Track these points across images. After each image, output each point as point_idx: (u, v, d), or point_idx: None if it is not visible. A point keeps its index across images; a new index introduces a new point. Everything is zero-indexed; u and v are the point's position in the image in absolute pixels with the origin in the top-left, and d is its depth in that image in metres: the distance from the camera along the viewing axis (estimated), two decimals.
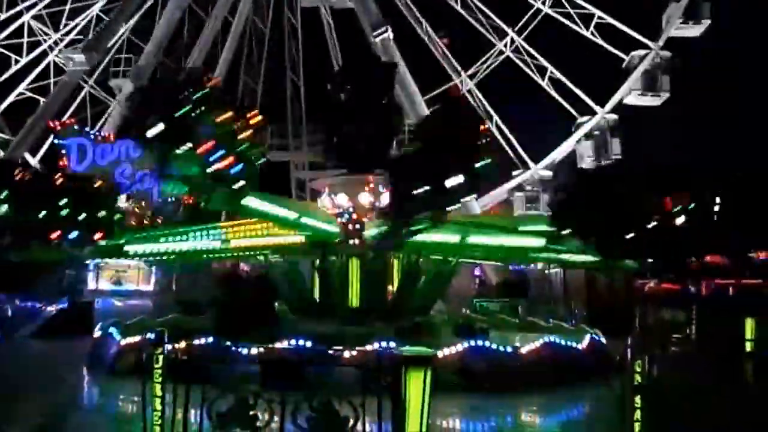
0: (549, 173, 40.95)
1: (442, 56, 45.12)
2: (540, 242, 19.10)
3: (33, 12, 42.59)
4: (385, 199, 20.33)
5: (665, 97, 39.51)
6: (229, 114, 15.47)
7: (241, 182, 16.12)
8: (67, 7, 43.43)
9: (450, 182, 15.14)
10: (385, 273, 20.25)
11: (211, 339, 16.48)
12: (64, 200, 16.55)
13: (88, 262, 30.64)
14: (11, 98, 42.13)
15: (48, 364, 19.65)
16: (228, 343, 16.38)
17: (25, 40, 42.57)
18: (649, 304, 31.10)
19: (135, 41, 44.89)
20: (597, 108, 40.72)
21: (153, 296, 30.88)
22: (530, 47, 42.73)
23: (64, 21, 43.56)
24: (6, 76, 42.25)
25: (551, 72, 41.98)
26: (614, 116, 40.68)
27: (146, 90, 17.49)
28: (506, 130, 42.70)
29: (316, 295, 20.88)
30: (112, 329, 19.49)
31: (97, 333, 20.38)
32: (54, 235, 16.64)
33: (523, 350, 17.18)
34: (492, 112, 43.45)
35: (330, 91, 20.28)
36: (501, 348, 16.96)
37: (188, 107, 14.88)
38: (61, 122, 17.52)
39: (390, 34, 38.86)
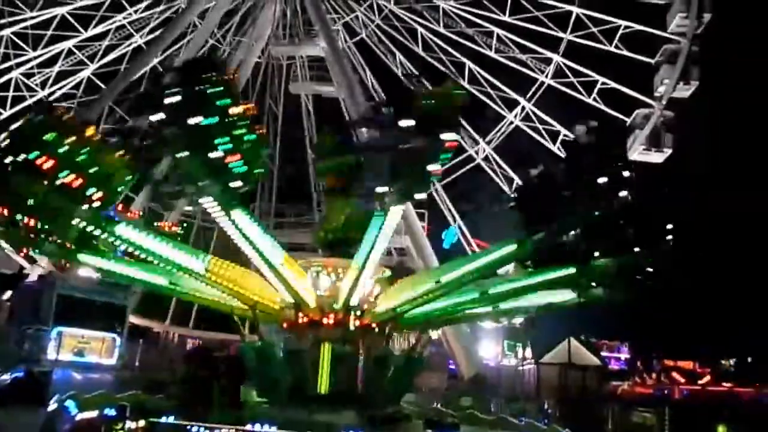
0: None
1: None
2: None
3: (23, 69, 43.46)
4: (368, 284, 20.24)
5: (668, 153, 40.88)
6: (241, 108, 15.56)
7: (239, 182, 15.86)
8: (56, 69, 44.35)
9: None
10: (356, 359, 19.82)
11: (172, 418, 15.85)
12: None
13: (48, 329, 29.64)
14: None
15: None
16: (189, 423, 15.76)
17: (11, 94, 43.16)
18: (621, 406, 30.76)
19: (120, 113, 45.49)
20: None
21: (115, 370, 29.66)
22: (540, 112, 44.21)
23: (51, 81, 44.33)
24: None
25: (564, 135, 43.19)
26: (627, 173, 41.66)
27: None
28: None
29: (288, 378, 20.27)
30: (68, 402, 18.61)
31: (52, 405, 19.46)
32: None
33: None
34: (512, 174, 44.30)
35: None
36: None
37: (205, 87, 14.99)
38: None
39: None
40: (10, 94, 43.16)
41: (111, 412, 16.89)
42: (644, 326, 45.84)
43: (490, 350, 43.16)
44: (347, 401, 18.48)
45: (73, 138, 16.16)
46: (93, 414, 17.08)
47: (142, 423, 16.39)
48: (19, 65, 43.44)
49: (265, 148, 17.49)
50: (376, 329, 20.33)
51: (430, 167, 16.52)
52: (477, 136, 45.45)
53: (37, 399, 21.55)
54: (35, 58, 43.87)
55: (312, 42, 45.72)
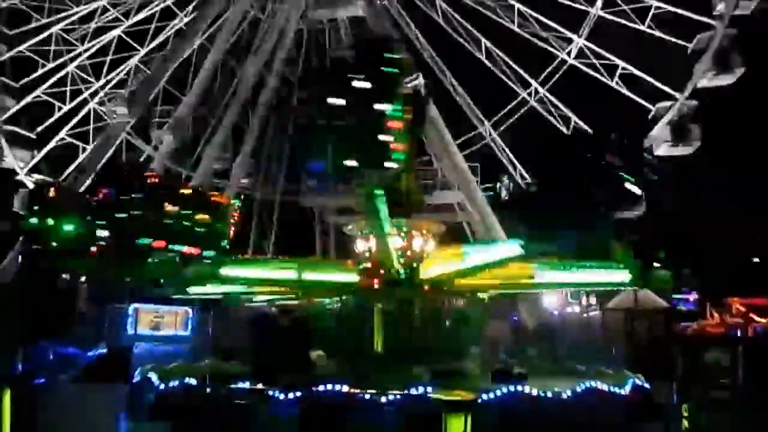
0: None
1: (466, 106, 45.54)
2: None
3: (77, 62, 45.03)
4: (417, 243, 20.40)
5: (696, 145, 39.45)
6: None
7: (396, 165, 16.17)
8: (108, 58, 45.74)
9: None
10: (425, 316, 20.16)
11: (248, 384, 16.50)
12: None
13: (126, 307, 31.16)
14: (53, 143, 44.10)
15: (89, 409, 19.82)
16: (264, 387, 16.38)
17: (69, 88, 44.84)
18: (692, 347, 30.16)
19: (172, 92, 46.50)
20: None
21: (190, 341, 31.03)
22: (554, 98, 42.96)
23: (105, 71, 45.81)
24: (49, 122, 44.49)
25: (575, 122, 42.24)
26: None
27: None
28: (529, 179, 42.87)
29: (356, 337, 20.77)
30: (150, 374, 19.64)
31: (136, 378, 20.57)
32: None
33: (564, 395, 16.77)
34: (515, 161, 43.76)
35: None
36: (541, 393, 16.59)
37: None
38: None
39: (421, 80, 39.57)
40: (91, 126, 44.91)
41: (191, 380, 17.73)
42: (711, 265, 44.56)
43: (553, 299, 42.93)
44: (415, 358, 18.86)
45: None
46: (175, 383, 17.94)
47: (221, 389, 17.11)
48: (92, 96, 45.19)
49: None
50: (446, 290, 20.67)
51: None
52: (529, 78, 44.18)
53: (120, 373, 22.81)
54: (104, 86, 45.45)
55: (350, 1, 45.15)
